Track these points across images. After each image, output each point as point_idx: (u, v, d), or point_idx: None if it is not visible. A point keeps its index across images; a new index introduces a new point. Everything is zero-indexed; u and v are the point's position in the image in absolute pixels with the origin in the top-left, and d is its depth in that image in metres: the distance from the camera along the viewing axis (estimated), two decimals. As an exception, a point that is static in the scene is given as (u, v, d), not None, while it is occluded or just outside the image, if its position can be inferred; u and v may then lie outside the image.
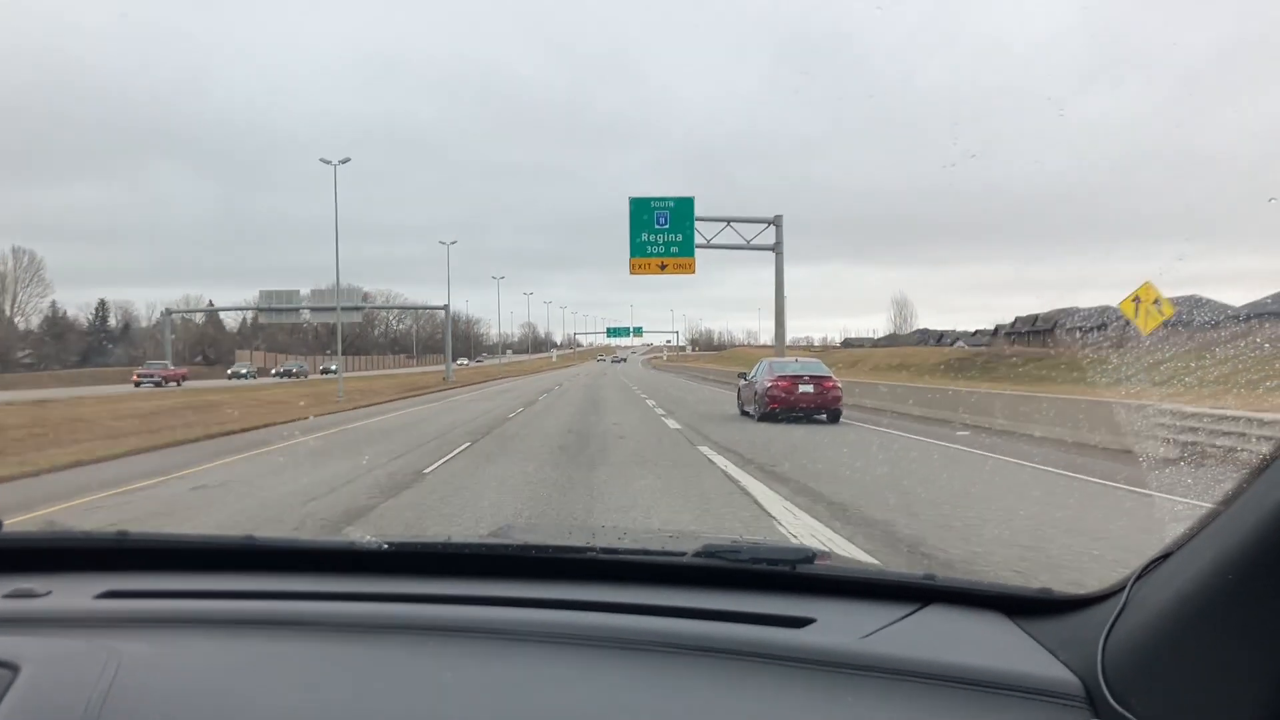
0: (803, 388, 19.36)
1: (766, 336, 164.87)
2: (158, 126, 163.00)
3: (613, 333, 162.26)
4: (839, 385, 19.86)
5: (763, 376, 20.34)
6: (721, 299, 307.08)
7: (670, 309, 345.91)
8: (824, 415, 19.36)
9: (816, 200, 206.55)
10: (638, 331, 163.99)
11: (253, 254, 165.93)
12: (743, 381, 22.50)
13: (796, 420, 19.12)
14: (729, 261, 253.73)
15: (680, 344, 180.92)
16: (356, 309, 64.09)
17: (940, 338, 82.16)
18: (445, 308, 68.59)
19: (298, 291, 64.70)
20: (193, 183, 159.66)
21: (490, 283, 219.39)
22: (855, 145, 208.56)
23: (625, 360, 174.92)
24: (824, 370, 20.37)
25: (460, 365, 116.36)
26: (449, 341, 69.85)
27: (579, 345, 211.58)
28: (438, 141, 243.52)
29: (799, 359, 22.73)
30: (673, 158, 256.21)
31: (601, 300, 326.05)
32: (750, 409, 20.84)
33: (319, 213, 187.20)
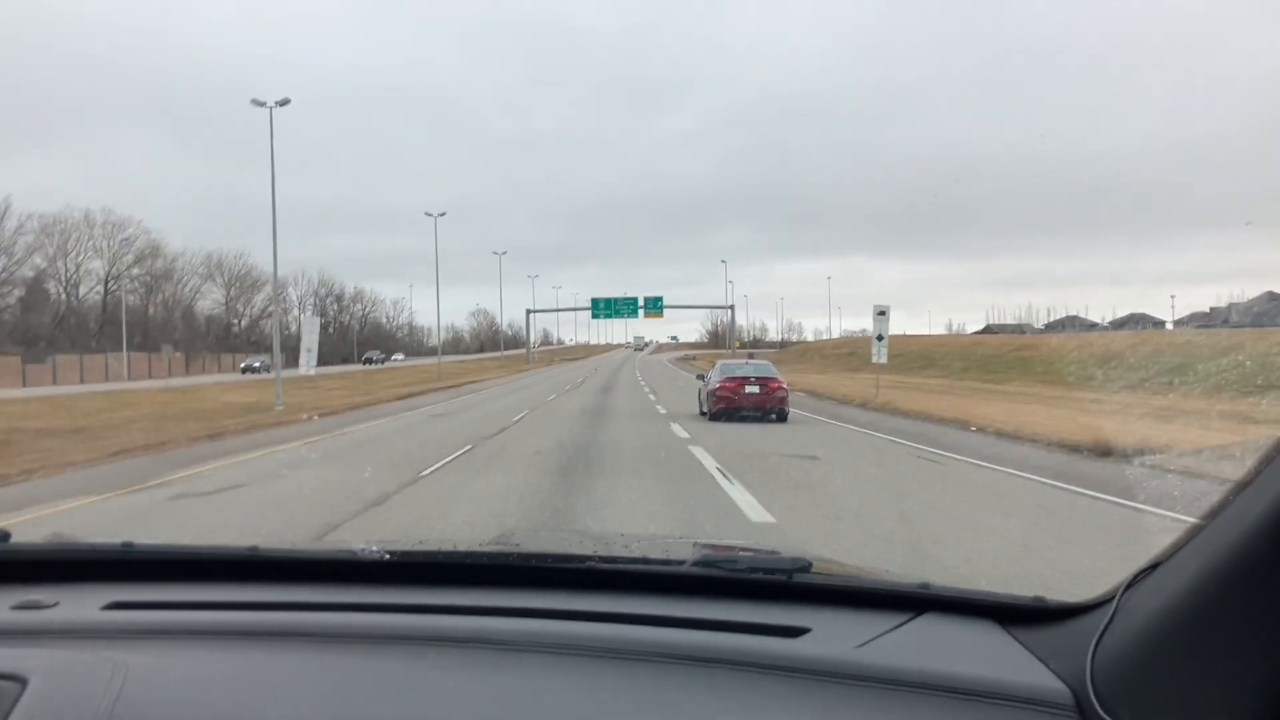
0: (749, 389, 19.91)
1: (810, 332, 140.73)
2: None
3: (601, 308, 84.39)
4: (784, 386, 20.55)
5: (713, 378, 20.97)
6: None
7: (719, 267, 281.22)
8: (774, 415, 19.83)
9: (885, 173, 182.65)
10: (652, 305, 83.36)
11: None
12: (701, 383, 23.11)
13: (746, 420, 19.38)
14: (742, 259, 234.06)
15: (695, 339, 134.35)
16: None
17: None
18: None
19: None
20: (162, 149, 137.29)
21: (500, 277, 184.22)
22: (946, 104, 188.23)
23: (643, 349, 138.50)
24: (771, 372, 20.99)
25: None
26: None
27: (552, 342, 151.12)
28: (432, 103, 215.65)
29: (749, 360, 23.16)
30: (719, 122, 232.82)
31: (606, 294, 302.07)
32: (705, 409, 21.31)
33: (308, 196, 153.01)
